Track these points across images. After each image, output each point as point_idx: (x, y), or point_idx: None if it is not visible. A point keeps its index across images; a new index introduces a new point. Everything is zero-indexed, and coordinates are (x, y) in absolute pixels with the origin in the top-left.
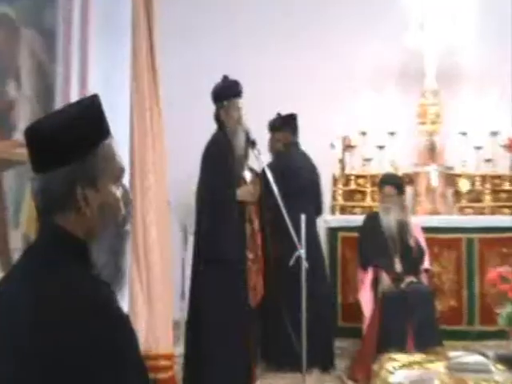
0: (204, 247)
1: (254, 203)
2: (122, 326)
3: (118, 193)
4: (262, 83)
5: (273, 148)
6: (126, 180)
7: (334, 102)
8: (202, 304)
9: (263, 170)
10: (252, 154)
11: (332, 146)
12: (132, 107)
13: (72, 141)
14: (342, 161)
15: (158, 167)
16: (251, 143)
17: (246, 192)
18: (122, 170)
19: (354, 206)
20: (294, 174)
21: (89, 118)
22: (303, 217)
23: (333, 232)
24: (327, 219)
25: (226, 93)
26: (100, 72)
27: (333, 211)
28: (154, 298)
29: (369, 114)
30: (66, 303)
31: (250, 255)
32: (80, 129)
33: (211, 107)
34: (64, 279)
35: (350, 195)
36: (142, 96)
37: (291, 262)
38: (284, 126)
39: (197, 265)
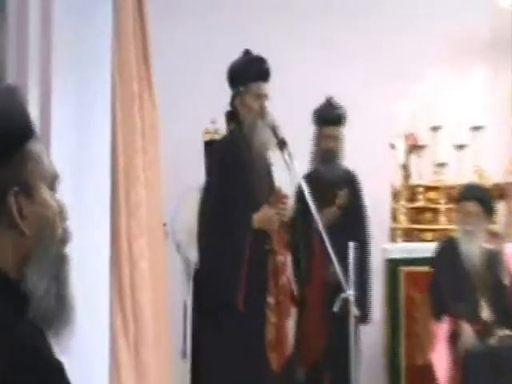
0: (206, 291)
1: (280, 229)
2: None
3: (55, 203)
4: (297, 65)
5: (319, 150)
6: (106, 195)
7: (395, 87)
8: (207, 367)
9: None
10: (282, 159)
11: (392, 146)
12: (114, 93)
13: None
14: (405, 167)
15: (151, 177)
16: (279, 143)
17: (264, 217)
18: (54, 175)
19: (422, 230)
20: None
21: (12, 113)
22: (351, 245)
23: (393, 265)
24: (386, 248)
25: (243, 74)
26: (69, 41)
27: (393, 237)
28: (145, 357)
29: (444, 102)
30: None
31: (271, 299)
32: (4, 125)
33: (225, 95)
34: None
35: (416, 214)
36: (128, 78)
37: (335, 308)
38: None
39: (200, 313)
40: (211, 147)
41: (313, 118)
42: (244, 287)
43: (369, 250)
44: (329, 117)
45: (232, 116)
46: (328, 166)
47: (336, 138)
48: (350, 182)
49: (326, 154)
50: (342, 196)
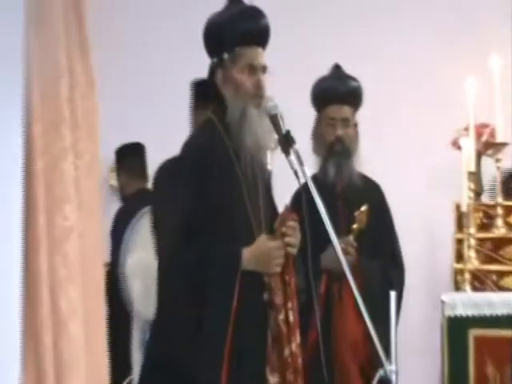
0: (170, 368)
1: (285, 270)
2: None
3: None
4: (308, 32)
5: (322, 144)
6: (15, 218)
7: (461, 60)
8: None
9: (306, 199)
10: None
11: (455, 144)
12: (28, 63)
13: None
14: (474, 176)
15: (87, 192)
16: (283, 141)
17: (260, 253)
18: None
19: (501, 273)
20: None
21: None
22: (393, 295)
23: (458, 327)
24: (446, 300)
25: (229, 34)
26: None
27: (457, 284)
28: None
29: None
30: None
31: (274, 378)
32: None
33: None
34: None
35: (493, 249)
36: (49, 42)
37: None
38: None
39: None
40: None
41: (312, 94)
42: (228, 362)
43: (399, 294)
44: (335, 91)
45: (209, 98)
46: (335, 168)
47: (346, 123)
48: (370, 194)
49: (333, 147)
50: (360, 218)
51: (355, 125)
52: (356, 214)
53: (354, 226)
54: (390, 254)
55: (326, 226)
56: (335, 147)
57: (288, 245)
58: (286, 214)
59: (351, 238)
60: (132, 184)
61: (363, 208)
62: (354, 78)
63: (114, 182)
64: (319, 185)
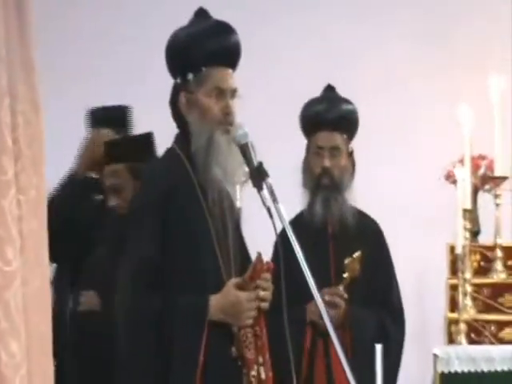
0: None
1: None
2: None
3: None
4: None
5: (309, 176)
6: None
7: (455, 78)
8: None
9: (281, 243)
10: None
11: (448, 177)
12: None
13: None
14: (470, 214)
15: (32, 233)
16: (255, 175)
17: (228, 302)
18: None
19: (501, 323)
20: None
21: None
22: (379, 349)
23: None
24: (440, 355)
25: (194, 52)
26: None
27: (451, 336)
28: None
29: None
30: None
31: None
32: None
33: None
34: None
35: (492, 297)
36: None
37: None
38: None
39: None
40: None
41: (300, 119)
42: None
43: (398, 351)
44: (323, 115)
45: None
46: (323, 204)
47: (336, 152)
48: (366, 234)
49: (320, 180)
50: (352, 266)
51: (350, 154)
52: (347, 261)
53: (345, 275)
54: (388, 306)
55: (306, 276)
56: (322, 180)
57: (262, 300)
58: (259, 264)
59: (341, 287)
60: None
61: (355, 254)
62: (347, 101)
63: None
64: (307, 224)
